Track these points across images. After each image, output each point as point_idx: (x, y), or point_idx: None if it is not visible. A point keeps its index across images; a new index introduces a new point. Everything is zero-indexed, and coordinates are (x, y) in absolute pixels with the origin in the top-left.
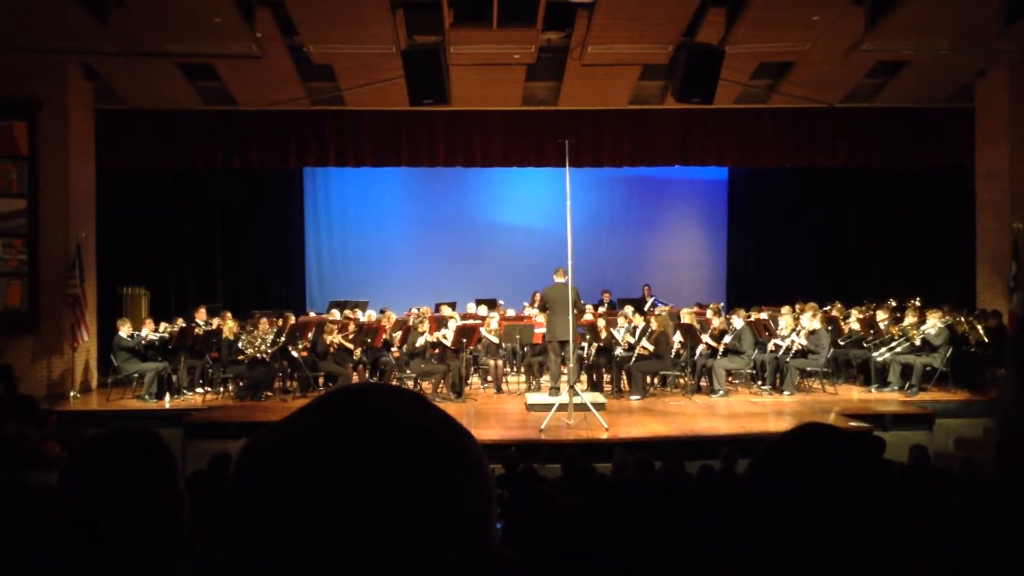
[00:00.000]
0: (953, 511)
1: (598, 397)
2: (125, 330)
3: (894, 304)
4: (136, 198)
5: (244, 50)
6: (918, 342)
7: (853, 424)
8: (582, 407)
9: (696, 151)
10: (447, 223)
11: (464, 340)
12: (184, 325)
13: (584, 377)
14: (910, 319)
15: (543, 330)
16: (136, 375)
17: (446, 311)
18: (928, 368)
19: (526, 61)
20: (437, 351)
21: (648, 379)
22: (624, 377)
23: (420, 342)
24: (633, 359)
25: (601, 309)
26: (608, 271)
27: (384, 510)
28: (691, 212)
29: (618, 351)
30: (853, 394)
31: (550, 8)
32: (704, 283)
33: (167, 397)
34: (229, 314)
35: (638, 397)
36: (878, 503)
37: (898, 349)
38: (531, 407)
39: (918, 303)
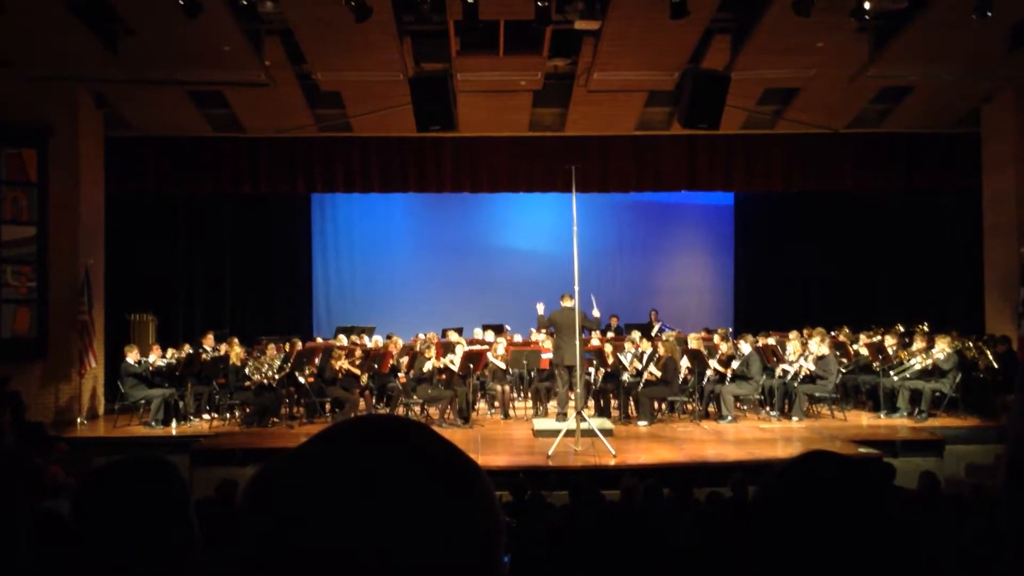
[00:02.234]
0: (965, 538)
1: (606, 423)
2: (132, 356)
3: (902, 329)
4: (144, 225)
5: (253, 78)
6: (929, 365)
7: (862, 450)
8: (589, 433)
9: (703, 176)
10: (454, 249)
11: (471, 365)
12: (191, 351)
13: (592, 403)
14: (918, 344)
15: (550, 355)
16: (143, 401)
17: (453, 336)
18: (937, 394)
19: (533, 88)
20: (444, 376)
21: (656, 405)
22: (632, 403)
23: (427, 367)
24: (641, 385)
25: (608, 334)
26: (615, 296)
27: (391, 543)
28: (698, 237)
29: (625, 377)
30: (862, 420)
31: (556, 35)
32: (711, 308)
33: (174, 423)
34: (236, 340)
35: (646, 423)
36: (889, 530)
37: (907, 374)
38: (538, 433)
39: (926, 328)
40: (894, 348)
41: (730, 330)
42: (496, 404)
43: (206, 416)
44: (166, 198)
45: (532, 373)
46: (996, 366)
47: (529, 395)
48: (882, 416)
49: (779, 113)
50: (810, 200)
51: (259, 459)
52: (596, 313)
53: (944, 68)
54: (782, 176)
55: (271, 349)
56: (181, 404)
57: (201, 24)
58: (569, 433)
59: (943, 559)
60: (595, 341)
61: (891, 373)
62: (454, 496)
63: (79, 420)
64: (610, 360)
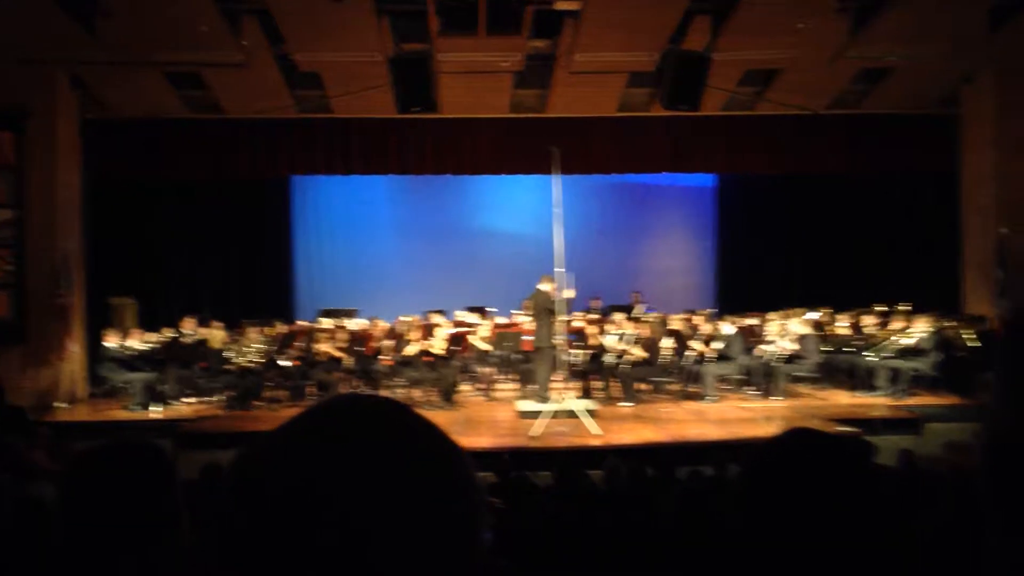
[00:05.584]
0: (942, 515)
1: (589, 404)
2: (113, 340)
3: (882, 309)
4: (123, 208)
5: (231, 59)
6: (905, 347)
7: (842, 429)
8: (573, 414)
9: (684, 158)
10: (436, 231)
11: (454, 348)
12: (172, 335)
13: (575, 384)
14: (898, 324)
15: (532, 337)
16: (124, 385)
17: (436, 319)
18: (916, 373)
19: (514, 69)
20: (427, 359)
21: (638, 385)
22: (615, 384)
23: (410, 350)
24: (624, 366)
25: (591, 316)
26: (597, 278)
27: (372, 521)
28: (680, 218)
29: (609, 358)
30: (842, 398)
31: (537, 16)
32: (693, 289)
33: (156, 407)
34: (218, 324)
35: (629, 404)
36: (869, 506)
37: (887, 353)
38: (522, 414)
39: (906, 308)
40: (874, 327)
41: (712, 311)
42: (480, 386)
43: (188, 400)
44: (145, 180)
45: (515, 355)
46: (974, 345)
47: (513, 376)
48: (861, 395)
49: (760, 94)
50: (791, 181)
51: (243, 442)
52: (567, 294)
53: (924, 49)
54: (763, 157)
55: (253, 333)
56: (163, 388)
57: (179, 4)
58: (553, 414)
59: (920, 536)
60: (578, 323)
61: (870, 352)
62: (434, 473)
63: (60, 405)
64: (593, 341)
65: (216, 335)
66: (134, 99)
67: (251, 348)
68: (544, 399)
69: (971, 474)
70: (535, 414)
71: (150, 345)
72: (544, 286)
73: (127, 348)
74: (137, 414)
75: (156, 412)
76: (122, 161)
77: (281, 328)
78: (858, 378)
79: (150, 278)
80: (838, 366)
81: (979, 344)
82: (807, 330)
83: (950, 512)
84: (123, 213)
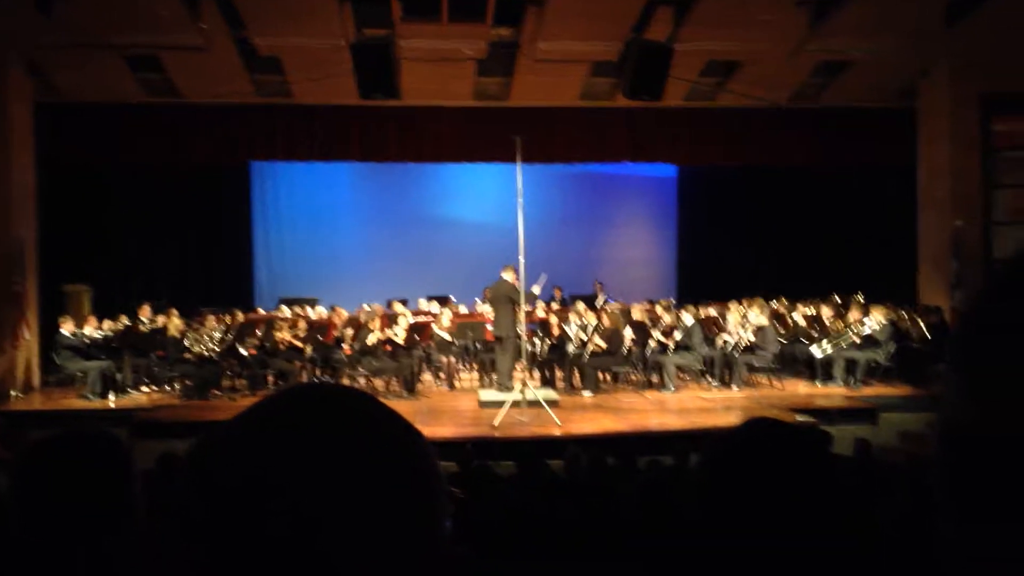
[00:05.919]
0: (897, 503)
1: (551, 393)
2: (68, 328)
3: (839, 300)
4: (79, 193)
5: (189, 42)
6: (858, 339)
7: (800, 418)
8: (535, 404)
9: (646, 148)
10: (399, 219)
11: (416, 337)
12: (128, 323)
13: (537, 374)
14: (854, 315)
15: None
16: (79, 374)
17: (398, 308)
18: (872, 363)
19: (477, 56)
20: (389, 348)
21: (600, 375)
22: (576, 373)
23: (372, 339)
24: (585, 355)
25: (553, 306)
26: (560, 267)
27: (331, 508)
28: (641, 209)
29: (570, 347)
30: (799, 389)
31: (500, 4)
32: (654, 279)
33: (112, 396)
34: (175, 311)
35: (590, 393)
36: (826, 495)
37: (843, 344)
38: (484, 404)
39: (862, 299)
40: (831, 318)
41: (673, 301)
42: (441, 375)
43: (145, 389)
44: (101, 166)
45: (477, 344)
46: (929, 336)
47: (475, 366)
48: (818, 385)
49: (721, 85)
50: (752, 173)
51: (200, 432)
52: (536, 289)
53: (883, 42)
54: (724, 149)
55: (211, 321)
56: (119, 376)
57: None
58: (515, 404)
59: (876, 524)
60: (541, 312)
61: (825, 344)
62: (393, 461)
63: (13, 393)
64: (555, 331)
65: (174, 323)
66: (90, 83)
67: (209, 336)
68: (506, 389)
69: (925, 463)
70: (497, 404)
71: (106, 333)
72: (507, 275)
73: (82, 336)
74: (93, 403)
75: (112, 401)
76: (77, 146)
77: (240, 316)
78: (815, 368)
79: (106, 265)
80: (796, 356)
81: (933, 335)
82: (765, 321)
83: (905, 500)
84: (78, 199)
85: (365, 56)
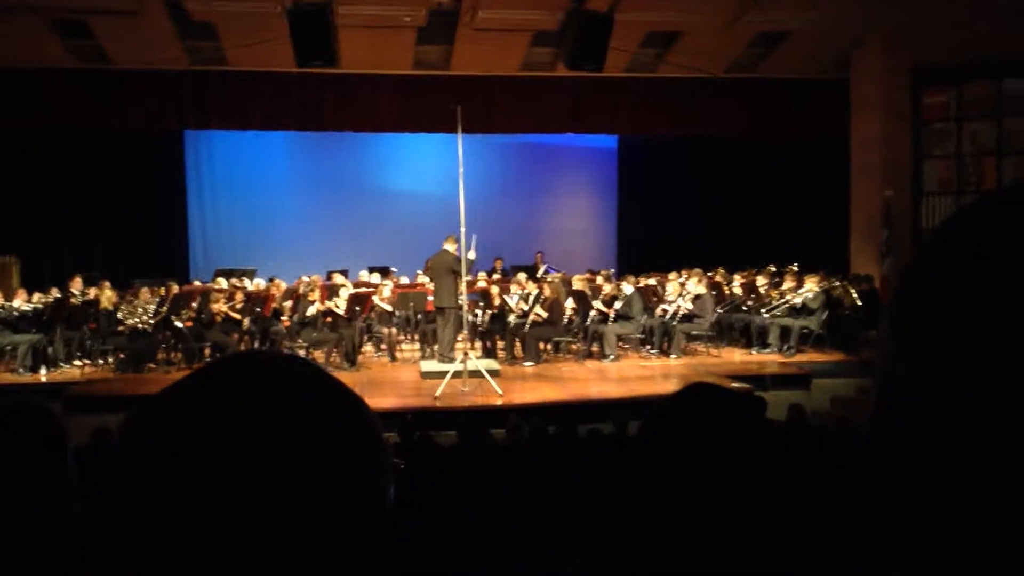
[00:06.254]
0: (828, 465)
1: (492, 364)
2: None
3: (774, 269)
4: (4, 162)
5: (120, 6)
6: (797, 303)
7: (735, 385)
8: (476, 374)
9: (587, 119)
10: (338, 189)
11: (357, 308)
12: (59, 295)
13: (478, 344)
14: (788, 283)
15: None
16: (8, 347)
17: (338, 279)
18: (805, 331)
19: (416, 24)
20: (329, 320)
21: (541, 345)
22: (518, 344)
23: (311, 311)
24: (526, 326)
25: (495, 276)
26: (501, 238)
27: (272, 476)
28: (582, 179)
29: (512, 318)
30: (736, 356)
31: None
32: (595, 250)
33: (43, 370)
34: (107, 283)
35: (532, 363)
36: (761, 458)
37: (777, 312)
38: (425, 375)
39: (796, 268)
40: (766, 287)
41: (613, 271)
42: (383, 347)
43: (77, 362)
44: (27, 134)
45: (419, 315)
46: (860, 304)
47: (416, 337)
48: (754, 352)
49: (661, 57)
50: (691, 144)
51: (134, 406)
52: (471, 255)
53: (818, 13)
54: (664, 120)
55: (145, 293)
56: (50, 350)
57: None
58: (456, 374)
59: (808, 484)
60: (481, 283)
61: (762, 312)
62: (335, 428)
63: None
64: (496, 301)
65: (106, 295)
66: (16, 47)
67: (143, 309)
68: (448, 359)
69: (855, 427)
70: (439, 375)
71: (36, 305)
72: (449, 246)
73: (11, 309)
74: (23, 377)
75: (44, 375)
76: (2, 112)
77: (175, 288)
78: (751, 336)
79: (34, 235)
80: (732, 325)
81: (864, 302)
82: (703, 290)
83: (835, 461)
84: (5, 167)
85: (302, 22)
